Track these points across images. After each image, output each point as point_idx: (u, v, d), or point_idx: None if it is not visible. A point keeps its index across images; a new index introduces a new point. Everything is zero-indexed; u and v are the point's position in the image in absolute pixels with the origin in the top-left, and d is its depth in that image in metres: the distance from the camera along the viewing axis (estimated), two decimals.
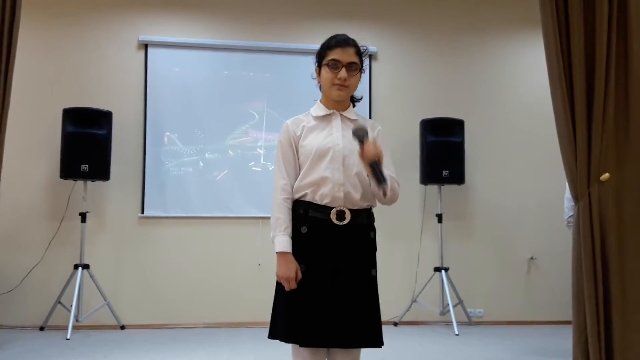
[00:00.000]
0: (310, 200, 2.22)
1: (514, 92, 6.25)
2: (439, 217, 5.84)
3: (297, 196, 2.25)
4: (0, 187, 5.16)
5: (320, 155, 2.24)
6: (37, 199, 5.55)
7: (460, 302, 5.73)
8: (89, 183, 5.48)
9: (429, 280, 5.75)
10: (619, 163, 3.38)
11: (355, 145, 2.24)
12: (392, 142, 6.00)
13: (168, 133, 5.81)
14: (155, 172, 5.76)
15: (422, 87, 6.18)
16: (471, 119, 6.02)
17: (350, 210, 2.23)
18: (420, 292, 5.77)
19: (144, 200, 5.71)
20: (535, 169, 6.00)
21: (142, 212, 5.70)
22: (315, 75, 2.37)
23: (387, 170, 2.28)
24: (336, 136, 2.28)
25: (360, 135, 2.14)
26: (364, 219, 2.28)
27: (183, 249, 5.69)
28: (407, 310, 5.77)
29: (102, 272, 5.48)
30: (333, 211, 2.21)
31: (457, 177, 5.75)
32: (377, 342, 2.22)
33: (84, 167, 5.25)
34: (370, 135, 2.23)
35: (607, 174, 3.34)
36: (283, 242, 2.19)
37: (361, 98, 2.46)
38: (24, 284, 5.38)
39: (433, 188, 5.94)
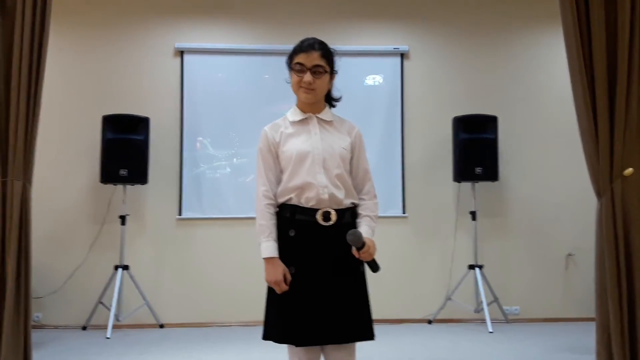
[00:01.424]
0: (296, 203, 2.29)
1: (548, 87, 6.15)
2: (473, 215, 5.81)
3: (282, 200, 2.32)
4: (42, 193, 5.42)
5: (300, 159, 2.30)
6: (79, 203, 5.78)
7: (496, 299, 5.68)
8: (128, 187, 5.68)
9: (463, 278, 5.73)
10: None
11: (334, 146, 2.34)
12: (424, 140, 6.05)
13: (203, 137, 5.96)
14: (192, 175, 5.92)
15: (454, 84, 6.15)
16: (504, 116, 5.96)
17: (335, 210, 2.28)
18: (455, 290, 5.75)
19: (181, 202, 5.88)
20: (570, 164, 5.88)
21: (180, 214, 5.86)
22: (289, 79, 2.44)
23: (364, 167, 2.43)
24: (314, 140, 2.35)
25: (355, 243, 2.20)
26: (349, 218, 2.33)
27: (219, 249, 5.83)
28: (442, 308, 5.76)
29: (141, 273, 5.66)
30: (319, 213, 2.27)
31: (491, 174, 5.70)
32: (369, 335, 2.26)
33: (123, 172, 5.44)
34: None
35: (630, 169, 3.28)
36: (268, 247, 2.26)
37: (340, 98, 2.51)
38: (67, 285, 5.62)
39: (467, 185, 5.91)
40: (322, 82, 2.35)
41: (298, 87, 2.35)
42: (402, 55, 6.18)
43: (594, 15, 3.32)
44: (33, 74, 3.34)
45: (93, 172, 5.72)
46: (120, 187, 5.67)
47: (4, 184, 3.26)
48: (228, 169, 5.96)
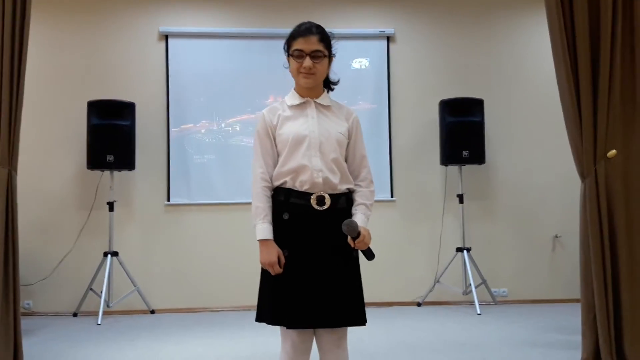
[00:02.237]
0: (291, 187, 2.29)
1: (534, 70, 6.16)
2: (460, 198, 5.84)
3: (277, 183, 2.32)
4: (29, 180, 5.39)
5: (297, 143, 2.30)
6: (66, 190, 5.76)
7: (484, 281, 5.73)
8: (116, 173, 5.65)
9: (451, 261, 5.77)
10: (626, 139, 3.35)
11: (331, 131, 2.33)
12: (411, 124, 6.06)
13: (190, 122, 5.94)
14: (180, 160, 5.90)
15: (441, 67, 6.16)
16: (491, 99, 5.98)
17: (330, 195, 2.29)
18: (443, 272, 5.80)
19: (170, 188, 5.87)
20: (557, 146, 5.89)
21: (168, 200, 5.86)
22: (287, 64, 2.43)
23: (361, 153, 2.42)
24: (311, 123, 2.34)
25: (350, 233, 2.20)
26: (343, 203, 2.34)
27: (209, 234, 5.84)
28: (430, 291, 5.81)
29: (131, 259, 5.66)
30: (313, 197, 2.27)
31: (478, 157, 5.73)
32: (361, 321, 2.28)
33: (110, 158, 5.42)
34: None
35: (614, 151, 3.32)
36: (264, 229, 2.26)
37: (338, 81, 2.51)
38: (56, 272, 5.61)
39: (454, 169, 5.93)
40: (321, 67, 2.34)
41: (297, 72, 2.34)
42: (388, 39, 6.17)
43: None
44: (15, 60, 3.31)
45: (80, 159, 5.68)
46: (107, 173, 5.64)
47: None
48: (216, 154, 5.94)
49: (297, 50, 2.32)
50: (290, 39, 2.36)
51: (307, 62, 2.30)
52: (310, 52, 2.31)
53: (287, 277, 2.23)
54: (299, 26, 2.36)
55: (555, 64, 3.41)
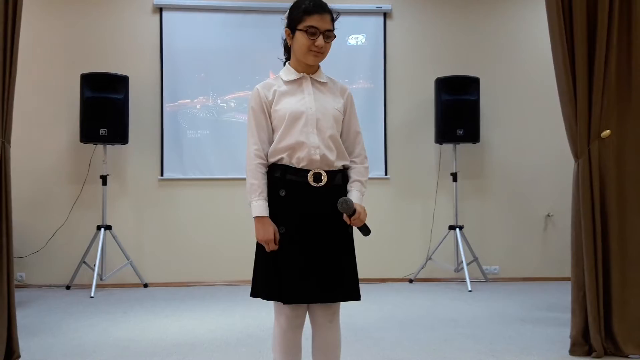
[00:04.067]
0: (287, 163, 2.27)
1: (530, 48, 6.15)
2: (454, 176, 5.86)
3: (273, 160, 2.30)
4: (22, 153, 5.37)
5: (294, 119, 2.27)
6: (60, 163, 5.74)
7: (476, 259, 5.77)
8: (109, 147, 5.64)
9: (443, 239, 5.81)
10: (621, 119, 3.35)
11: (327, 107, 2.31)
12: (407, 101, 6.05)
13: (185, 96, 5.91)
14: (173, 135, 5.88)
15: (437, 45, 6.13)
16: (486, 77, 5.96)
17: (326, 172, 2.29)
18: (435, 250, 5.84)
19: (163, 162, 5.86)
20: (551, 126, 5.90)
21: (162, 175, 5.85)
22: (284, 36, 2.38)
23: (355, 129, 2.41)
24: (308, 100, 2.31)
25: (346, 211, 2.21)
26: (339, 180, 2.33)
27: (202, 209, 5.85)
28: (422, 268, 5.85)
29: (124, 233, 5.68)
30: (310, 174, 2.26)
31: (472, 135, 5.73)
32: (356, 296, 2.29)
33: (103, 131, 5.39)
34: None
35: (608, 131, 3.32)
36: (259, 206, 2.25)
37: None
38: (49, 245, 5.61)
39: (448, 147, 5.94)
40: (329, 46, 2.30)
41: (307, 50, 2.28)
42: (385, 15, 6.13)
43: None
44: (8, 33, 3.26)
45: (73, 132, 5.66)
46: (100, 147, 5.63)
47: None
48: (210, 129, 5.92)
49: (312, 27, 2.25)
50: (302, 14, 2.27)
51: (321, 40, 2.25)
52: (325, 30, 2.27)
53: (284, 254, 2.23)
54: (311, 1, 2.27)
55: (552, 43, 3.40)
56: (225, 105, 5.94)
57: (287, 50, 2.44)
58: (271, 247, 2.22)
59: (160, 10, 5.93)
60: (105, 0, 5.86)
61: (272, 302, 2.31)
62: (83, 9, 5.83)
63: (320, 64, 2.40)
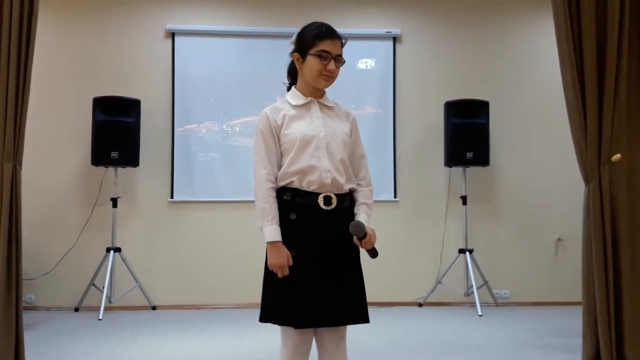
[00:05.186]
0: (297, 187, 2.27)
1: (540, 72, 6.16)
2: (464, 199, 5.84)
3: (282, 183, 2.30)
4: (34, 175, 5.42)
5: (305, 143, 2.28)
6: (71, 186, 5.77)
7: (486, 283, 5.73)
8: (120, 169, 5.67)
9: (453, 262, 5.77)
10: (631, 143, 3.34)
11: (337, 131, 2.33)
12: (416, 125, 6.07)
13: (196, 121, 5.94)
14: (184, 158, 5.91)
15: (446, 69, 6.15)
16: (496, 101, 5.97)
17: (336, 195, 2.29)
18: (445, 273, 5.80)
19: (173, 185, 5.88)
20: (561, 149, 5.88)
21: (172, 197, 5.87)
22: (292, 59, 2.40)
23: (360, 152, 2.45)
24: (317, 124, 2.33)
25: (358, 234, 2.23)
26: (347, 203, 2.34)
27: (211, 232, 5.85)
28: (432, 292, 5.80)
29: (133, 255, 5.68)
30: (320, 197, 2.27)
31: (482, 159, 5.72)
32: (364, 319, 2.28)
33: (114, 154, 5.43)
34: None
35: (618, 155, 3.31)
36: (273, 231, 2.24)
37: None
38: (59, 267, 5.62)
39: (458, 170, 5.93)
40: (339, 71, 2.33)
41: (319, 74, 2.30)
42: (395, 39, 6.17)
43: (584, 1, 3.32)
44: (22, 55, 3.32)
45: (84, 155, 5.70)
46: (111, 169, 5.66)
47: None
48: (220, 152, 5.95)
49: (324, 51, 2.28)
50: (314, 39, 2.29)
51: (332, 65, 2.28)
52: (336, 55, 2.30)
53: (295, 278, 2.22)
54: (323, 25, 2.31)
55: (561, 67, 3.41)
56: (236, 129, 5.98)
57: (291, 74, 2.46)
58: (284, 272, 2.21)
59: (172, 35, 6.00)
60: (119, 26, 5.94)
61: (279, 326, 2.30)
62: (97, 33, 5.91)
63: (329, 87, 2.42)
